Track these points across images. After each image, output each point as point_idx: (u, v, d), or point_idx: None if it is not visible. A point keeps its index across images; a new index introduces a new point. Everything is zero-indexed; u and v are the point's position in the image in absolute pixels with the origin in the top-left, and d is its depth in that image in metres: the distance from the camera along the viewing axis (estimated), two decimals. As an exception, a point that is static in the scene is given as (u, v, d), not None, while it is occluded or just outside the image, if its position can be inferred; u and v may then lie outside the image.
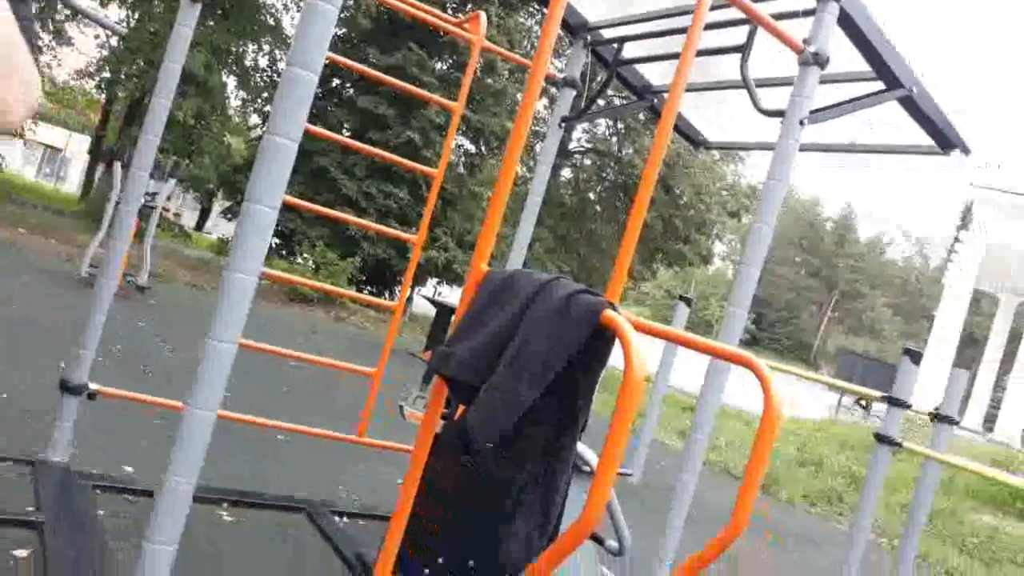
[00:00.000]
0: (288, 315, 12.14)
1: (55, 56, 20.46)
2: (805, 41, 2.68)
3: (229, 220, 19.61)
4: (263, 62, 20.26)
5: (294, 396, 6.40)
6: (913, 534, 4.00)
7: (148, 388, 3.83)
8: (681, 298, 6.59)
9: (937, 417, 3.94)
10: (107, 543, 2.67)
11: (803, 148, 2.99)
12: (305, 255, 15.91)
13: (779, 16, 2.81)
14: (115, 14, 18.68)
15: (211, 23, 16.00)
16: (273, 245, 15.75)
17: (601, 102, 4.33)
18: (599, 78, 4.03)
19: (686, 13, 3.28)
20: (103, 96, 21.81)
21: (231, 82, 19.28)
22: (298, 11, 18.70)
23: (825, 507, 8.46)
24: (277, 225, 1.79)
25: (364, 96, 16.04)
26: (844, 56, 2.94)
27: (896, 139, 3.59)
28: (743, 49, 2.99)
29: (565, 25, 3.80)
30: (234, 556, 3.15)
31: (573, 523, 1.29)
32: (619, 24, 3.76)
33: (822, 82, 2.77)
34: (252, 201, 1.66)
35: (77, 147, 36.21)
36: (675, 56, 2.49)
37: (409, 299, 15.39)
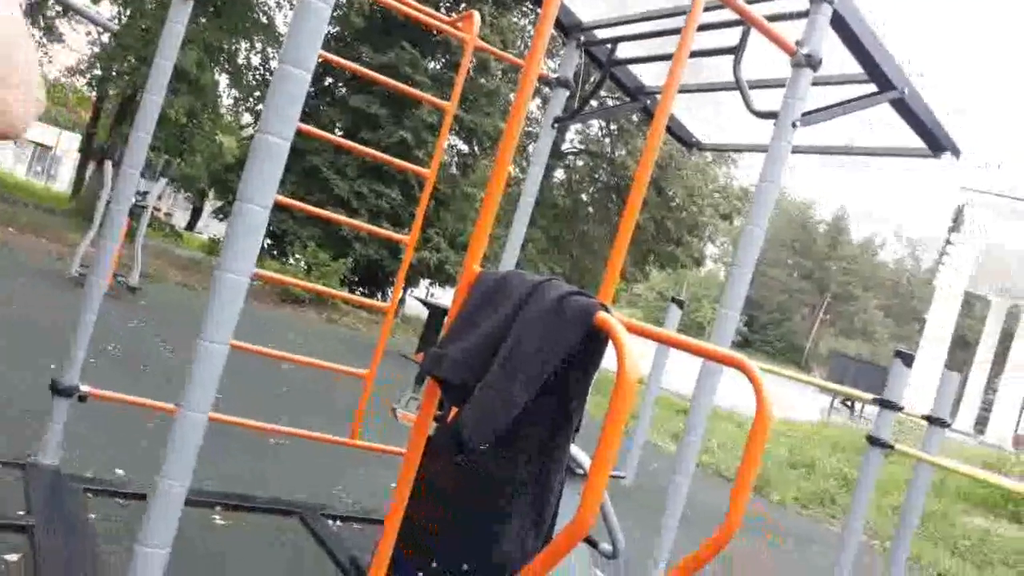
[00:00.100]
0: (280, 316, 12.11)
1: (46, 53, 20.40)
2: (798, 43, 2.69)
3: (220, 220, 19.56)
4: (255, 60, 20.24)
5: (291, 398, 6.37)
6: (905, 536, 4.02)
7: (140, 390, 3.81)
8: (673, 300, 6.60)
9: (930, 420, 3.96)
10: (98, 547, 2.65)
11: (796, 150, 2.99)
12: (297, 256, 15.87)
13: (772, 18, 2.81)
14: (107, 11, 18.58)
15: (203, 20, 15.96)
16: (265, 246, 15.70)
17: (594, 103, 4.33)
18: (592, 79, 4.03)
19: (680, 14, 3.29)
20: (94, 93, 21.74)
21: (223, 80, 19.25)
22: (291, 9, 18.65)
23: (817, 509, 8.48)
24: (269, 225, 1.78)
25: (356, 95, 16.01)
26: (837, 58, 2.95)
27: (895, 140, 3.61)
28: (736, 51, 2.99)
29: (559, 25, 3.80)
30: (227, 560, 3.14)
31: (567, 525, 1.28)
32: (613, 25, 3.76)
33: (815, 84, 2.77)
34: (244, 200, 1.65)
35: (68, 145, 36.06)
36: (668, 57, 2.49)
37: (401, 300, 15.37)
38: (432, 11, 4.01)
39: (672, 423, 10.99)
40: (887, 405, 3.86)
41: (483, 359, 1.51)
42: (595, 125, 23.19)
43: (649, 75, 4.11)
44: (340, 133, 15.89)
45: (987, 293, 25.39)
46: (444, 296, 16.59)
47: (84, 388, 3.21)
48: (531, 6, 17.83)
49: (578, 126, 21.77)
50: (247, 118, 22.37)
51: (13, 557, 2.61)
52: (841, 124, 3.19)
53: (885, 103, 3.13)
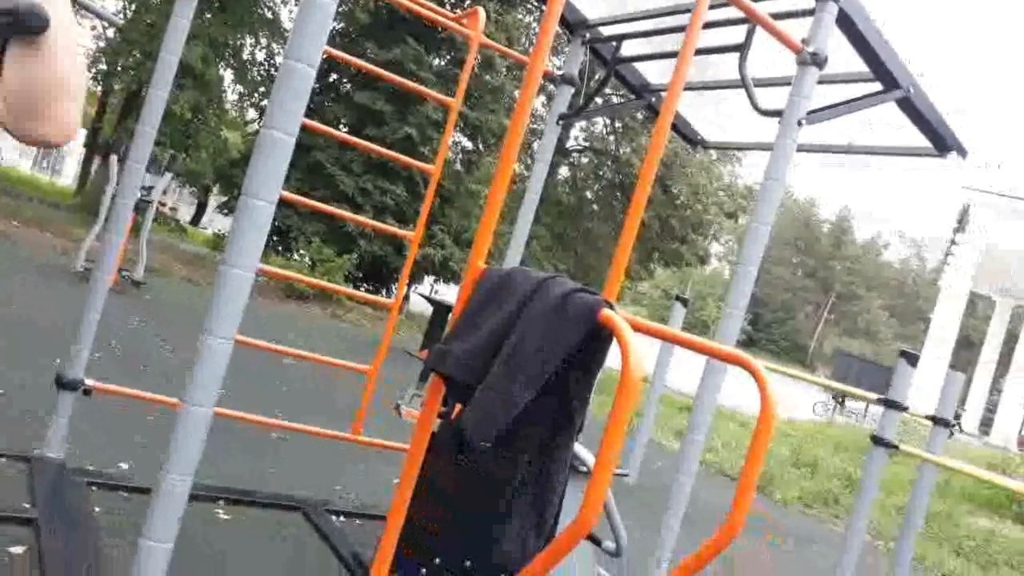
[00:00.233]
0: (284, 312, 12.12)
1: (52, 48, 20.37)
2: (804, 41, 2.68)
3: (225, 215, 19.58)
4: (260, 56, 20.25)
5: (294, 394, 6.37)
6: (909, 536, 4.00)
7: (145, 384, 3.81)
8: (678, 298, 6.59)
9: (935, 420, 3.95)
10: (102, 540, 2.66)
11: (801, 148, 2.99)
12: (301, 251, 15.88)
13: (778, 16, 2.80)
14: (112, 5, 18.62)
15: (208, 16, 15.97)
16: (270, 241, 15.72)
17: (599, 100, 4.32)
18: (597, 76, 4.02)
19: (685, 11, 3.28)
20: (99, 88, 21.74)
21: (228, 75, 19.25)
22: (296, 4, 18.64)
23: (821, 508, 8.47)
24: (273, 221, 1.78)
25: (361, 91, 16.02)
26: (843, 57, 2.94)
27: (896, 140, 3.60)
28: (742, 48, 2.98)
29: (563, 22, 3.79)
30: (230, 555, 3.14)
31: (570, 523, 1.28)
32: (618, 22, 3.75)
33: (820, 82, 2.76)
34: (249, 196, 1.65)
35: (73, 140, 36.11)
36: (674, 55, 2.48)
37: (406, 297, 15.38)
38: (437, 7, 4.01)
39: (675, 421, 10.98)
40: (892, 405, 3.85)
41: (486, 356, 1.50)
42: (600, 122, 23.18)
43: (654, 72, 4.10)
44: (345, 129, 15.90)
45: (991, 293, 25.32)
46: (449, 293, 16.60)
47: (89, 382, 3.22)
48: (536, 3, 17.81)
49: (583, 123, 21.75)
50: (252, 113, 22.40)
51: (18, 549, 2.61)
52: (841, 124, 3.18)
53: (891, 102, 3.11)
